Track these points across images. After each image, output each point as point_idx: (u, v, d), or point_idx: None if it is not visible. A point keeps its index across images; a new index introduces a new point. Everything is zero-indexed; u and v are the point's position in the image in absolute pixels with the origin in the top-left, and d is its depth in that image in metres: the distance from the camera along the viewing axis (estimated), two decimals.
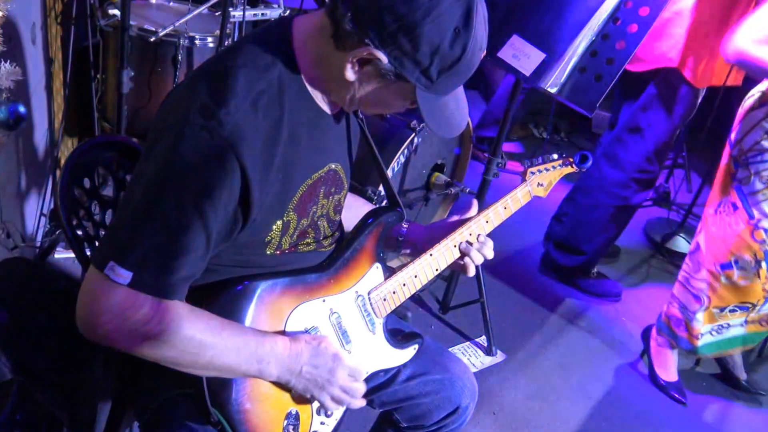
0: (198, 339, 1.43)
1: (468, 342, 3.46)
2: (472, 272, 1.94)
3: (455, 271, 1.96)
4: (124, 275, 1.35)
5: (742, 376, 3.60)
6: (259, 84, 1.43)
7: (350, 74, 1.45)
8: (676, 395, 3.43)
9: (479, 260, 1.92)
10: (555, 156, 2.15)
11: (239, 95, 1.40)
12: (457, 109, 1.57)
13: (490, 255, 1.94)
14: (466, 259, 1.90)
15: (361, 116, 1.84)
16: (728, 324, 3.24)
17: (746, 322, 3.22)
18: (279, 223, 1.55)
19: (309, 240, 1.68)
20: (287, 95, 1.48)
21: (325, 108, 1.59)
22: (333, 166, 1.67)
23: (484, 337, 3.45)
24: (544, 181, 2.12)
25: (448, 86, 1.49)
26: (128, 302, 1.37)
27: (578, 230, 3.99)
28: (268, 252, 1.58)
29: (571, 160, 2.15)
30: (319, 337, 1.60)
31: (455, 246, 1.92)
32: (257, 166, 1.41)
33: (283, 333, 1.60)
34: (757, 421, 3.46)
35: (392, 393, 1.97)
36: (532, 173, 2.10)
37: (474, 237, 1.92)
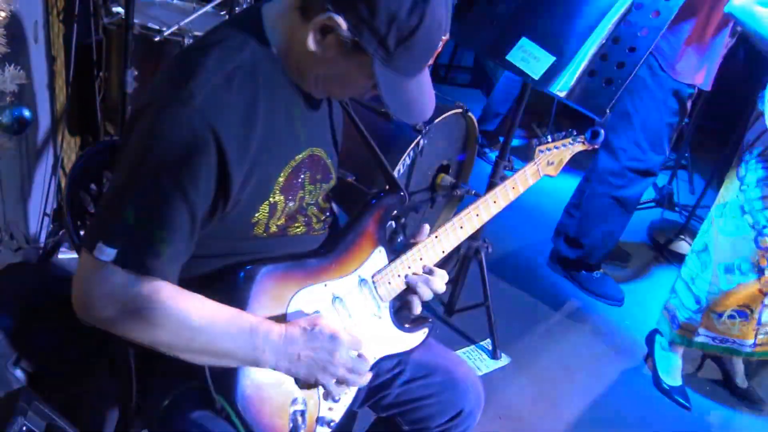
0: (190, 322, 1.43)
1: (473, 345, 3.45)
2: (417, 309, 1.87)
3: (411, 293, 1.88)
4: (110, 253, 1.36)
5: (744, 384, 3.58)
6: (232, 62, 1.45)
7: (312, 44, 1.44)
8: (680, 399, 3.43)
9: (427, 295, 1.84)
10: (565, 133, 2.13)
11: (211, 70, 1.42)
12: (421, 97, 1.56)
13: (441, 288, 1.85)
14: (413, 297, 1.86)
15: (347, 103, 1.84)
16: (733, 341, 3.22)
17: (756, 344, 3.21)
18: (266, 204, 1.55)
19: (298, 224, 1.68)
20: (261, 74, 1.49)
21: (303, 89, 1.58)
22: (316, 151, 1.67)
23: (489, 340, 3.44)
24: (554, 159, 2.10)
25: (406, 63, 1.47)
26: (116, 280, 1.38)
27: (580, 221, 4.04)
28: (256, 233, 1.58)
29: (582, 137, 2.12)
30: (315, 319, 1.58)
31: (461, 227, 1.91)
32: (233, 139, 1.41)
33: (284, 318, 1.59)
34: (760, 428, 3.45)
35: (395, 395, 1.95)
36: (541, 151, 2.07)
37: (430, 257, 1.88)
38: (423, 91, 1.56)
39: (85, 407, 1.77)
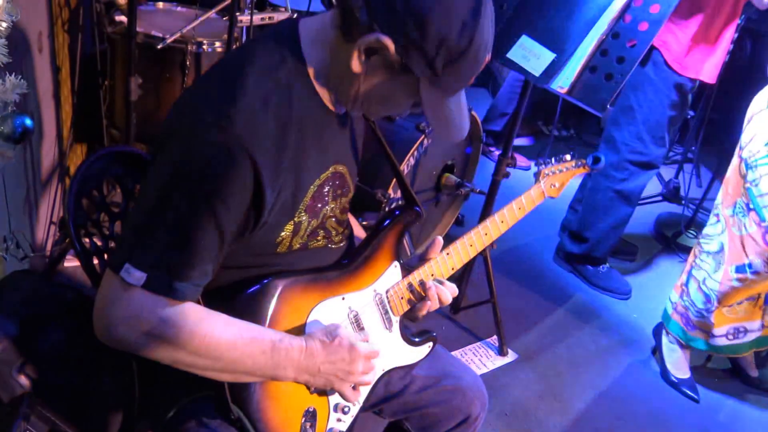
0: (214, 344, 1.44)
1: (479, 342, 3.46)
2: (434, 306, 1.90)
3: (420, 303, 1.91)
4: (138, 276, 1.36)
5: (753, 373, 3.58)
6: (268, 83, 1.44)
7: (356, 65, 1.43)
8: (689, 392, 3.43)
9: (435, 306, 1.87)
10: (568, 157, 2.20)
11: (249, 94, 1.40)
12: (459, 114, 1.55)
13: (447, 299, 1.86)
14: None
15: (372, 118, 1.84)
16: (745, 329, 3.23)
17: (763, 326, 3.22)
18: (291, 224, 1.55)
19: (319, 238, 1.69)
20: (295, 94, 1.48)
21: (332, 107, 1.58)
22: (339, 167, 1.67)
23: (495, 337, 3.45)
24: (557, 182, 2.16)
25: (451, 84, 1.47)
26: (143, 304, 1.38)
27: (584, 216, 4.06)
28: (279, 250, 1.59)
29: (584, 161, 2.20)
30: (334, 331, 1.59)
31: (471, 245, 1.94)
32: (269, 165, 1.41)
33: (302, 330, 1.61)
34: None
35: (403, 402, 1.98)
36: (547, 174, 2.14)
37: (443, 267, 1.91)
38: (461, 107, 1.55)
39: (89, 413, 1.78)
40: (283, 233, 1.56)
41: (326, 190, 1.64)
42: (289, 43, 1.50)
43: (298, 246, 1.62)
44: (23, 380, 1.70)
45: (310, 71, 1.51)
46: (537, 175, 2.13)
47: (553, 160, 2.17)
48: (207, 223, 1.38)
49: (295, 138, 1.47)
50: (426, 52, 1.39)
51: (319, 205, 1.62)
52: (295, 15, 3.39)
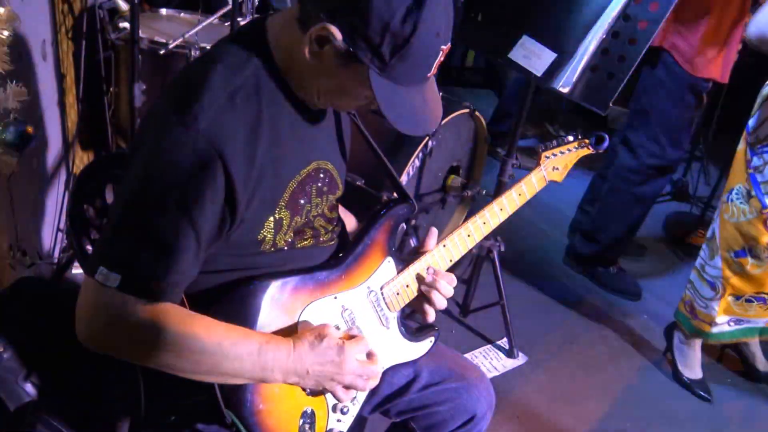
0: (197, 345, 1.42)
1: (489, 345, 3.45)
2: (431, 316, 1.87)
3: (425, 302, 1.88)
4: (113, 278, 1.35)
5: (765, 368, 3.56)
6: (235, 80, 1.43)
7: (308, 55, 1.42)
8: (701, 393, 3.40)
9: (442, 303, 1.83)
10: (570, 138, 2.12)
11: (214, 91, 1.40)
12: (424, 108, 1.52)
13: (449, 292, 1.83)
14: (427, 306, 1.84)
15: (353, 112, 1.83)
16: (748, 320, 3.21)
17: None
18: (271, 220, 1.54)
19: (306, 237, 1.67)
20: (265, 90, 1.47)
21: (308, 103, 1.56)
22: (322, 164, 1.66)
23: (505, 339, 3.44)
24: (559, 164, 2.09)
25: (404, 74, 1.43)
26: (120, 306, 1.37)
27: (598, 217, 4.04)
28: (263, 249, 1.57)
29: (587, 141, 2.11)
30: (322, 332, 1.56)
31: (469, 235, 1.90)
32: (239, 161, 1.40)
33: (294, 331, 1.59)
34: None
35: (408, 402, 1.95)
36: (547, 157, 2.06)
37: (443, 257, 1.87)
38: (426, 101, 1.52)
39: (95, 421, 1.78)
40: (263, 230, 1.54)
41: (308, 186, 1.62)
42: (256, 40, 1.50)
43: (283, 245, 1.60)
44: (29, 388, 1.70)
45: (279, 67, 1.50)
46: (537, 158, 2.05)
47: (554, 141, 2.09)
48: (180, 224, 1.37)
49: (268, 134, 1.46)
50: (370, 39, 1.36)
51: (301, 202, 1.61)
52: None
